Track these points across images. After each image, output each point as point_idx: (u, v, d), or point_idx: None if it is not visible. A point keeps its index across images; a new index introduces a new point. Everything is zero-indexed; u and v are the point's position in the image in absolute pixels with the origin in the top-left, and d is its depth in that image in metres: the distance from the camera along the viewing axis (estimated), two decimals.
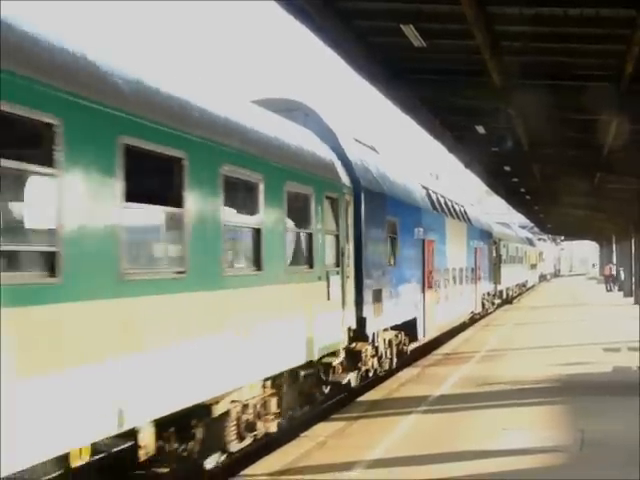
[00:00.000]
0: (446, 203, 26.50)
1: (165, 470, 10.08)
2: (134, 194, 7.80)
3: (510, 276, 46.68)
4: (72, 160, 6.83)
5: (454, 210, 27.77)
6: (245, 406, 11.04)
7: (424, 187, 23.25)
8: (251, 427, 11.30)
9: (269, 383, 11.89)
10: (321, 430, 12.29)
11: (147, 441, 9.05)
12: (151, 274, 8.53)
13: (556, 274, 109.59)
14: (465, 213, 30.58)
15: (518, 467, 9.78)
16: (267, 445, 13.24)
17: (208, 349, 9.39)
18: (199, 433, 10.07)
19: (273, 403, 11.95)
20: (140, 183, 7.84)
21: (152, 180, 8.78)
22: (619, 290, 52.27)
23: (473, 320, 32.14)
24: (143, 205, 8.28)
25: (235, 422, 10.77)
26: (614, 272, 56.65)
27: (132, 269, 7.99)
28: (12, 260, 6.41)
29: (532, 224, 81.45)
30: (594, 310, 37.35)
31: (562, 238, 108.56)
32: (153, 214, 9.00)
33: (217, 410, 10.14)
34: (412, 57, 16.70)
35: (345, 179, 14.86)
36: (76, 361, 7.02)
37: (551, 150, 26.68)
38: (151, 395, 8.21)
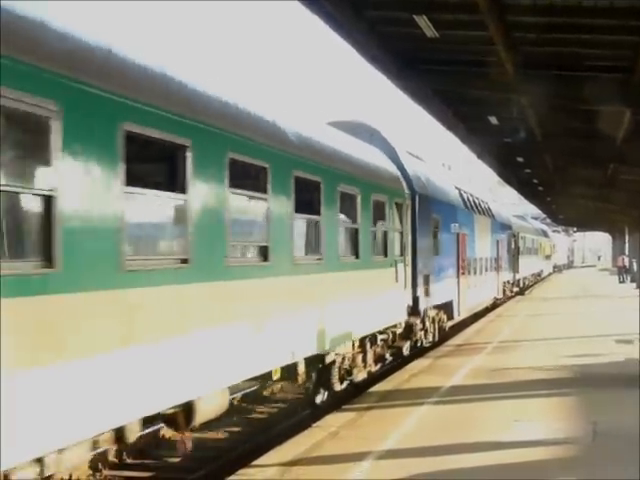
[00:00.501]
0: (474, 201, 29.95)
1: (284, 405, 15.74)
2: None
3: (527, 266, 50.07)
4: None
5: (480, 207, 31.26)
6: (343, 358, 14.72)
7: (457, 188, 26.86)
8: (349, 373, 15.19)
9: (357, 344, 15.57)
10: (333, 420, 12.31)
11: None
12: (244, 261, 10.64)
13: (569, 265, 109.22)
14: (489, 209, 33.89)
15: (530, 459, 9.78)
16: (279, 435, 13.34)
17: (322, 316, 13.11)
18: (314, 376, 14.06)
19: (360, 358, 15.78)
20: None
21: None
22: (632, 281, 52.12)
23: (494, 305, 34.64)
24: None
25: (337, 369, 14.49)
26: (627, 263, 56.50)
27: (233, 257, 10.10)
28: None
29: (544, 215, 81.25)
30: (606, 301, 37.25)
31: (574, 229, 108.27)
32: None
33: (327, 359, 13.81)
34: (424, 47, 16.68)
35: (405, 187, 18.97)
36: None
37: (563, 141, 26.60)
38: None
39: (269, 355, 11.04)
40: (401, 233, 18.37)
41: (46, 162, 6.66)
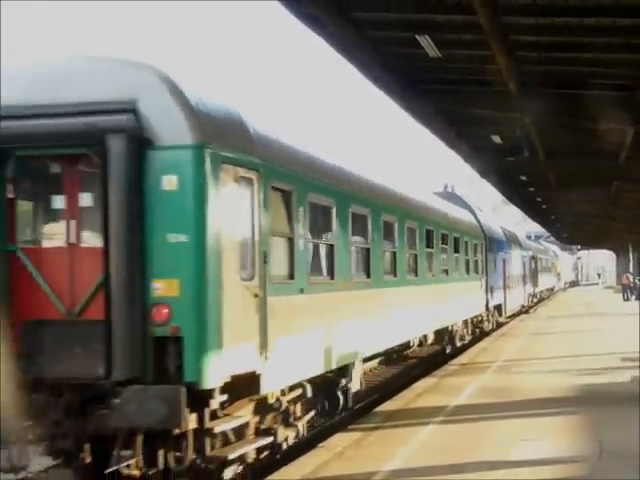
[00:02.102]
0: (509, 234, 39.86)
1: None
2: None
3: (543, 282, 61.54)
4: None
5: (513, 237, 41.44)
6: (455, 330, 24.72)
7: (501, 227, 37.59)
8: (461, 337, 25.73)
9: (463, 322, 26.00)
10: (339, 440, 12.29)
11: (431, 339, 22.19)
12: (408, 277, 17.94)
13: (574, 283, 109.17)
14: (517, 238, 44.33)
15: (536, 477, 9.75)
16: (285, 456, 13.30)
17: (447, 306, 22.13)
18: (445, 337, 23.75)
19: (464, 330, 26.32)
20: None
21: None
22: (636, 299, 52.03)
23: (519, 312, 42.65)
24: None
25: (455, 333, 24.73)
26: (631, 281, 56.40)
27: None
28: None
29: (548, 233, 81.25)
30: (611, 319, 37.17)
31: (579, 247, 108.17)
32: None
33: (453, 327, 24.29)
34: (427, 67, 16.75)
35: (481, 233, 29.71)
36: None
37: (567, 159, 26.66)
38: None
39: (414, 330, 18.95)
40: (480, 260, 28.79)
41: (288, 219, 11.15)
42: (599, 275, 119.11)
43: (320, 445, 12.15)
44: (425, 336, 21.00)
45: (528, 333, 30.80)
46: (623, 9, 12.56)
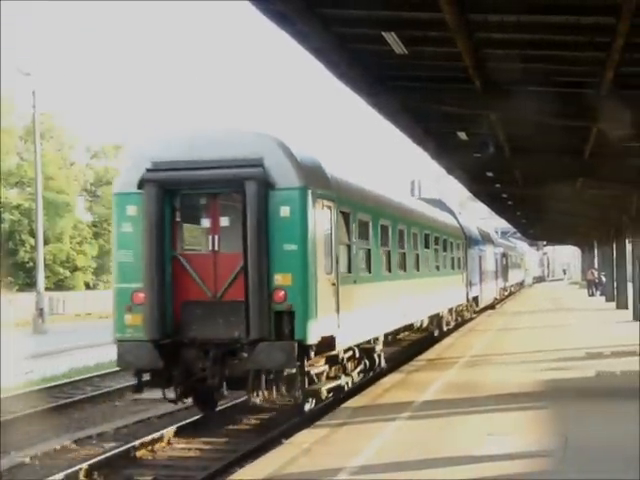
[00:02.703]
0: (483, 233, 44.43)
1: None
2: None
3: (513, 277, 65.44)
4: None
5: (487, 236, 46.04)
6: (442, 316, 28.23)
7: (477, 227, 42.48)
8: (447, 323, 29.30)
9: (448, 310, 29.46)
10: (305, 437, 12.30)
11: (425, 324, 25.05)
12: (412, 273, 22.43)
13: (542, 279, 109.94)
14: (490, 237, 48.52)
15: (503, 472, 9.83)
16: (252, 452, 13.31)
17: (438, 297, 26.39)
18: (435, 321, 26.88)
19: (449, 317, 29.98)
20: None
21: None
22: (601, 295, 52.46)
23: (492, 305, 46.02)
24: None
25: (442, 319, 28.28)
26: (596, 277, 56.86)
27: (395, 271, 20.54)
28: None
29: (514, 229, 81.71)
30: (577, 315, 37.52)
31: (544, 243, 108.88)
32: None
33: (441, 314, 27.73)
34: (394, 64, 16.76)
35: (462, 234, 33.82)
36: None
37: (532, 156, 26.79)
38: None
39: (417, 314, 23.08)
40: (461, 258, 32.64)
41: (347, 232, 15.90)
42: (564, 271, 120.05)
43: (286, 442, 12.17)
44: (422, 320, 24.26)
45: (495, 329, 31.00)
46: (587, 8, 12.68)
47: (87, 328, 40.08)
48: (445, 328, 28.96)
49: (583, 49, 14.79)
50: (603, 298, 49.18)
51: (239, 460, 12.79)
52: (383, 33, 14.15)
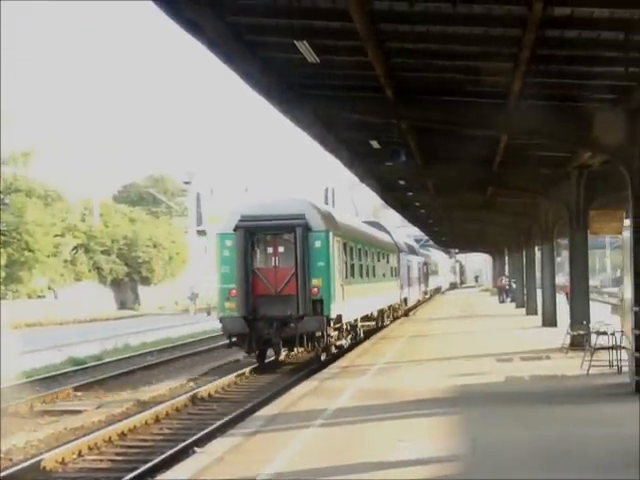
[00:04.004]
0: (410, 246, 55.28)
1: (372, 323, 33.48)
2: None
3: (432, 282, 74.34)
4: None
5: (412, 248, 56.03)
6: (384, 311, 36.55)
7: (405, 242, 52.79)
8: (387, 316, 37.80)
9: (388, 306, 37.91)
10: (218, 445, 12.25)
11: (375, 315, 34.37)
12: (375, 277, 33.55)
13: (456, 286, 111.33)
14: (415, 248, 59.44)
15: (412, 477, 9.93)
16: (165, 462, 13.20)
17: (381, 297, 35.37)
18: (379, 315, 35.13)
19: (387, 313, 37.72)
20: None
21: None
22: (511, 301, 53.37)
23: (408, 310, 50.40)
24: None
25: (384, 313, 36.75)
26: (507, 284, 57.81)
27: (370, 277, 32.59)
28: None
29: (427, 237, 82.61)
30: (488, 321, 38.12)
31: (456, 251, 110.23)
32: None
33: (382, 310, 35.87)
34: (307, 73, 16.81)
35: (396, 248, 42.57)
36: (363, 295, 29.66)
37: (443, 165, 27.17)
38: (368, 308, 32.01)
39: (376, 306, 33.28)
40: (395, 268, 41.13)
41: (345, 254, 26.38)
42: (476, 278, 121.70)
43: (199, 450, 12.10)
44: (375, 312, 33.34)
45: (407, 335, 31.30)
46: (495, 19, 12.90)
47: None
48: (387, 321, 37.92)
49: (491, 60, 15.05)
50: (514, 304, 50.04)
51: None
52: (295, 42, 14.18)
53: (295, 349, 24.91)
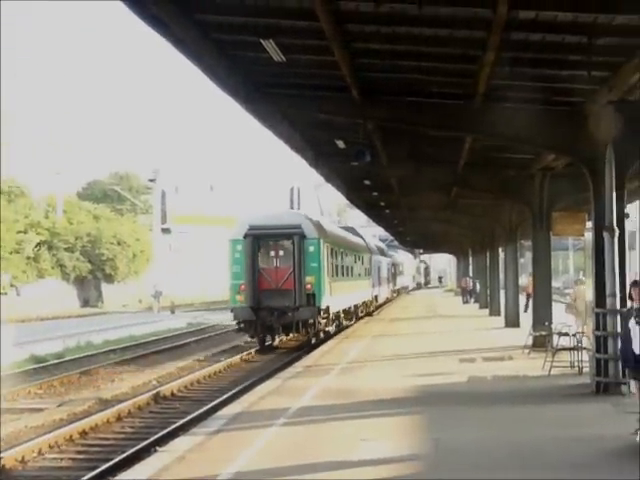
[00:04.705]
0: (380, 248, 60.52)
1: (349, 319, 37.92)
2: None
3: (400, 281, 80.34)
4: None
5: (382, 250, 61.04)
6: (358, 306, 41.01)
7: (376, 245, 58.39)
8: (360, 310, 42.01)
9: (362, 302, 42.62)
10: (180, 444, 12.22)
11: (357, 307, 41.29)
12: (352, 276, 39.60)
13: (421, 286, 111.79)
14: (384, 251, 64.24)
15: (375, 476, 9.97)
16: (126, 460, 13.14)
17: (356, 294, 40.04)
18: (355, 309, 39.99)
19: (361, 308, 42.21)
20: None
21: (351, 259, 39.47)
22: (475, 302, 53.65)
23: (386, 301, 60.71)
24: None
25: (358, 308, 41.21)
26: (470, 285, 58.08)
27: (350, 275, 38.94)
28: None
29: (392, 237, 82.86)
30: (452, 322, 38.27)
31: (421, 251, 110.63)
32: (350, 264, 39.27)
33: (357, 305, 40.72)
34: (272, 72, 16.81)
35: (368, 250, 47.74)
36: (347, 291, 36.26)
37: (409, 165, 27.25)
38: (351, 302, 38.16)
39: (354, 298, 39.31)
40: (368, 268, 46.18)
41: (332, 257, 32.66)
42: (440, 279, 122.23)
43: (161, 449, 12.07)
44: (351, 307, 38.10)
45: (371, 335, 31.38)
46: (460, 21, 12.97)
47: None
48: (361, 314, 42.50)
49: (456, 61, 15.13)
50: (477, 305, 50.31)
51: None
52: (262, 40, 14.17)
53: (291, 334, 30.63)
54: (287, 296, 28.35)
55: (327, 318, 30.56)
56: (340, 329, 34.04)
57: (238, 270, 28.70)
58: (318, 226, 30.39)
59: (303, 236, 28.67)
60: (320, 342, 29.05)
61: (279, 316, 28.37)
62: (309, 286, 28.46)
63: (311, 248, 28.78)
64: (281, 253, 29.03)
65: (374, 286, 48.93)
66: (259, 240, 28.84)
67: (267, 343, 30.50)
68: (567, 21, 12.46)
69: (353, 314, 39.23)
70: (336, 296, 31.66)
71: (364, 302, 43.65)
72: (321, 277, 28.89)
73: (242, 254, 28.62)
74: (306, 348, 28.35)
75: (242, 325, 29.10)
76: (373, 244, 55.00)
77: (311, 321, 28.67)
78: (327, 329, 31.11)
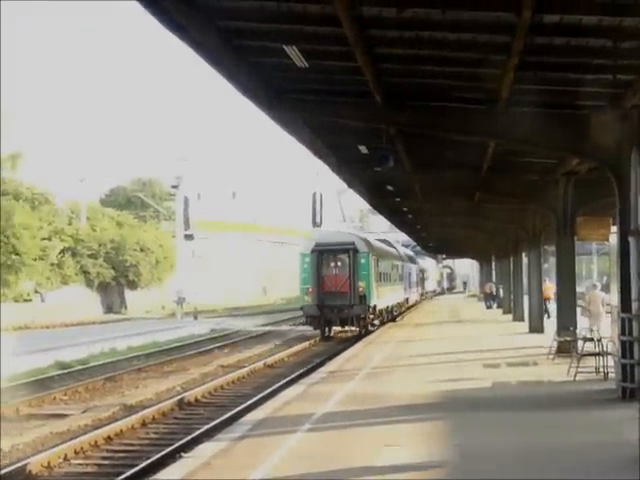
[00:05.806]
0: (410, 256, 66.91)
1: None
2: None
3: (428, 286, 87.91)
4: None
5: (411, 258, 67.20)
6: (394, 306, 48.77)
7: (406, 253, 63.93)
8: (395, 310, 49.28)
9: (396, 303, 50.05)
10: (205, 450, 12.22)
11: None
12: (390, 281, 48.19)
13: (444, 291, 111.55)
14: (414, 258, 70.78)
15: None
16: (151, 466, 13.17)
17: (394, 295, 48.98)
18: (392, 308, 47.98)
19: (396, 308, 49.84)
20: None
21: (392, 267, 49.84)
22: (498, 307, 53.45)
23: (414, 304, 65.35)
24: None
25: (394, 308, 48.73)
26: (494, 290, 57.83)
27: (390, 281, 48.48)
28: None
29: (414, 243, 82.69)
30: (475, 327, 38.13)
31: (444, 256, 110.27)
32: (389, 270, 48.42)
33: (393, 305, 48.56)
34: (295, 78, 16.84)
35: (400, 259, 55.70)
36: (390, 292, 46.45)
37: (432, 170, 27.21)
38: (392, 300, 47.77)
39: (392, 299, 47.96)
40: (401, 274, 53.68)
41: (378, 266, 42.02)
42: (465, 284, 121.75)
43: (186, 455, 12.07)
44: (390, 306, 45.65)
45: (395, 340, 31.30)
46: (483, 25, 12.93)
47: None
48: (396, 313, 49.02)
49: (479, 65, 15.09)
50: (500, 310, 50.12)
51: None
52: (284, 46, 14.19)
53: (347, 327, 38.73)
54: (344, 297, 36.81)
55: (374, 314, 38.91)
56: (382, 322, 42.39)
57: (307, 276, 37.22)
58: (367, 242, 39.65)
59: (356, 251, 37.45)
60: (368, 333, 37.02)
61: (338, 312, 36.94)
62: (361, 289, 36.91)
63: (362, 260, 37.43)
64: (339, 264, 37.66)
65: (405, 290, 56.80)
66: (322, 254, 37.51)
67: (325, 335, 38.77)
68: (592, 24, 12.38)
69: (390, 312, 47.03)
70: (380, 297, 40.28)
71: (398, 303, 51.40)
72: (370, 282, 37.46)
73: (310, 265, 37.21)
74: (357, 336, 36.72)
75: (309, 319, 37.85)
76: (404, 253, 62.50)
77: (362, 316, 37.07)
78: (375, 322, 39.86)
